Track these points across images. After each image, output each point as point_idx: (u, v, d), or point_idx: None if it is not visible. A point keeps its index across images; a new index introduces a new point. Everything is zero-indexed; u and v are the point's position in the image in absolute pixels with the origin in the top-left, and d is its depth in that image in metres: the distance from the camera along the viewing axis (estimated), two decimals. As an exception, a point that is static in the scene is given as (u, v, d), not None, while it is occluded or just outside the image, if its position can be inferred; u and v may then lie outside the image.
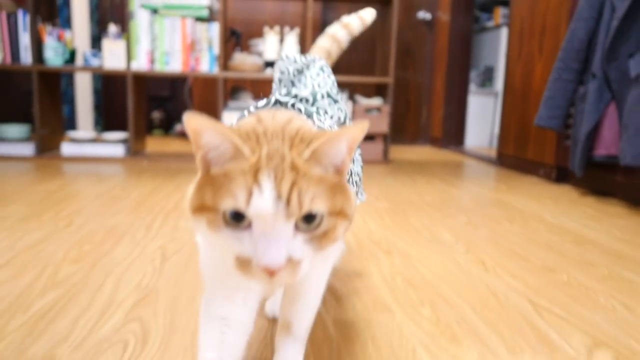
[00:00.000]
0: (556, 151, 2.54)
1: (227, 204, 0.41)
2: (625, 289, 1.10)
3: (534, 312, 0.96)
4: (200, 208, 0.43)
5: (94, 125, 4.52)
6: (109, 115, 4.71)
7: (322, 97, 0.68)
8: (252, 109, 0.61)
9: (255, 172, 0.41)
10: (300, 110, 0.60)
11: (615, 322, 0.93)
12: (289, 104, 0.61)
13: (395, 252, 1.30)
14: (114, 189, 1.99)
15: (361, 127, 0.44)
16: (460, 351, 0.80)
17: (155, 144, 3.75)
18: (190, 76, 4.42)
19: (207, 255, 0.54)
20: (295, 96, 0.66)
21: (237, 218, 0.42)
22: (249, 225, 0.42)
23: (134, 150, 2.84)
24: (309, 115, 0.59)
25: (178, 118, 4.78)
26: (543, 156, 2.65)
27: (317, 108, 0.64)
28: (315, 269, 0.55)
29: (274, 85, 0.83)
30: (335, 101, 0.70)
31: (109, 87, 4.71)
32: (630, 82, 1.88)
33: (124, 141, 2.88)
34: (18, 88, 4.24)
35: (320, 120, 0.60)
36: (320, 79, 0.75)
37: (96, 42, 4.44)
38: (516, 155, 2.93)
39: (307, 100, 0.66)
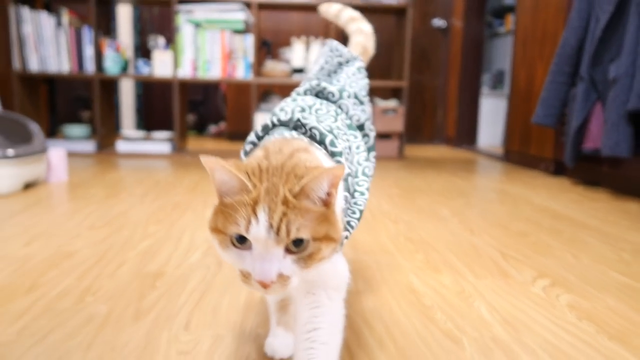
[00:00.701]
0: (554, 147, 2.83)
1: (233, 230, 0.50)
2: (579, 247, 1.41)
3: (501, 257, 1.29)
4: (215, 229, 0.52)
5: (136, 126, 4.96)
6: (148, 117, 5.16)
7: (349, 96, 0.82)
8: (300, 88, 0.83)
9: (254, 205, 0.49)
10: (315, 135, 0.65)
11: (561, 265, 1.25)
12: (308, 127, 0.66)
13: (400, 221, 1.64)
14: (168, 177, 2.38)
15: (340, 169, 0.50)
16: (440, 277, 1.13)
17: (192, 143, 4.16)
18: (223, 83, 4.84)
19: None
20: (322, 90, 0.81)
21: (241, 240, 0.50)
22: (250, 247, 0.50)
23: (179, 147, 3.24)
24: (322, 141, 0.64)
25: (211, 120, 5.19)
26: (543, 151, 2.94)
27: (334, 129, 0.71)
28: (330, 317, 0.62)
29: (316, 67, 0.94)
30: (361, 103, 0.85)
31: (149, 92, 5.16)
32: (610, 83, 2.17)
33: (169, 140, 3.28)
34: (70, 93, 4.71)
35: (334, 144, 0.64)
36: (354, 78, 0.88)
37: (138, 50, 4.89)
38: (520, 151, 3.23)
39: (332, 94, 0.81)
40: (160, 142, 3.21)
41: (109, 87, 3.31)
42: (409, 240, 1.42)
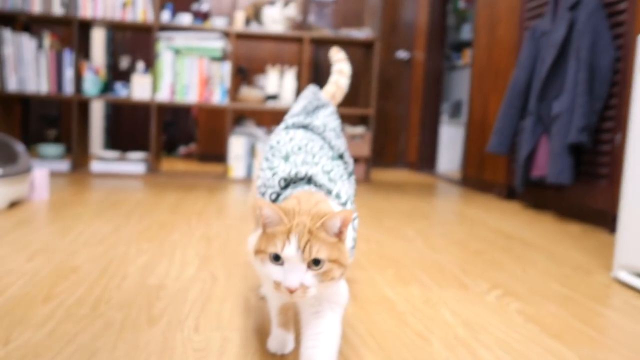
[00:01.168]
0: (506, 173, 3.10)
1: (272, 250, 0.69)
2: (527, 263, 1.62)
3: (461, 272, 1.48)
4: (259, 251, 0.71)
5: (104, 145, 4.99)
6: (116, 138, 5.19)
7: (330, 130, 1.01)
8: (288, 121, 1.01)
9: (288, 234, 0.68)
10: (322, 185, 0.83)
11: (511, 278, 1.45)
12: (319, 184, 0.84)
13: (372, 241, 1.81)
14: (148, 197, 2.47)
15: (349, 213, 0.70)
16: (410, 289, 1.30)
17: (163, 164, 4.23)
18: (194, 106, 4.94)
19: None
20: (308, 124, 0.99)
21: (277, 258, 0.69)
22: (282, 263, 0.69)
23: (153, 168, 3.32)
24: (329, 191, 0.83)
25: (181, 141, 5.27)
26: (496, 177, 3.21)
27: (330, 172, 0.88)
28: (331, 325, 0.78)
29: (297, 107, 1.09)
30: (338, 136, 1.04)
31: (117, 113, 5.21)
32: (554, 118, 2.44)
33: (144, 160, 3.36)
34: (35, 112, 4.71)
35: (340, 196, 0.83)
36: (329, 119, 1.06)
37: (110, 70, 4.95)
38: (476, 176, 3.49)
39: (318, 128, 0.98)
40: (134, 163, 3.29)
41: (85, 108, 3.38)
42: (380, 258, 1.59)
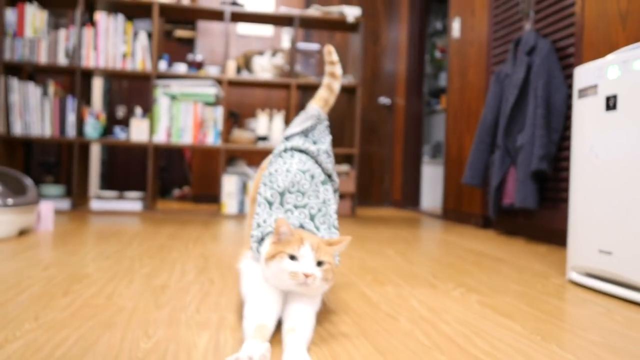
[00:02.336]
0: (482, 204, 3.31)
1: (290, 251, 0.91)
2: (493, 272, 1.80)
3: (433, 278, 1.65)
4: (275, 253, 0.92)
5: (100, 187, 5.16)
6: (110, 183, 5.38)
7: (323, 152, 1.18)
8: (287, 144, 1.20)
9: (303, 240, 0.92)
10: (310, 230, 1.05)
11: (477, 281, 1.62)
12: (304, 225, 1.06)
13: (353, 258, 1.99)
14: (147, 229, 2.64)
15: (346, 242, 0.98)
16: (385, 288, 1.48)
17: (159, 204, 4.40)
18: (188, 150, 5.17)
19: (250, 281, 1.00)
20: (305, 150, 1.16)
21: (292, 257, 0.91)
22: (297, 259, 0.91)
23: (150, 205, 3.50)
24: (318, 229, 1.07)
25: (175, 185, 5.46)
26: (473, 208, 3.42)
27: (315, 217, 1.09)
28: (309, 304, 0.97)
29: (307, 124, 1.24)
30: (330, 156, 1.21)
31: (113, 158, 5.42)
32: (518, 150, 2.69)
33: (141, 199, 3.54)
34: (35, 159, 4.90)
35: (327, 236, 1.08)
36: (324, 134, 1.24)
37: (107, 119, 5.19)
38: (455, 209, 3.70)
39: (312, 152, 1.16)
40: (132, 201, 3.46)
41: (86, 150, 3.58)
42: (360, 268, 1.77)
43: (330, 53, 1.33)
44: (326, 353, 0.91)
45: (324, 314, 1.17)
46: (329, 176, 1.20)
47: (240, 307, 1.19)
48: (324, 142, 1.25)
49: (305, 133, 1.25)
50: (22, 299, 1.19)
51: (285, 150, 1.20)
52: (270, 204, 1.08)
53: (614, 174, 1.44)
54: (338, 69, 1.33)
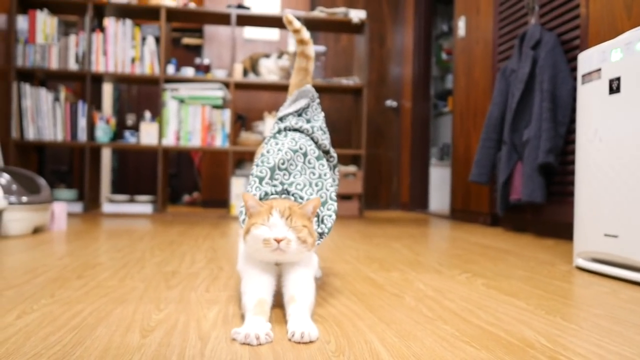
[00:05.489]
0: (489, 202, 3.31)
1: (260, 221, 0.91)
2: (499, 261, 1.81)
3: (438, 265, 1.67)
4: (249, 227, 0.92)
5: (111, 192, 5.23)
6: (120, 189, 5.45)
7: (318, 129, 1.21)
8: (281, 124, 1.24)
9: (271, 209, 0.92)
10: (294, 194, 1.07)
11: (482, 268, 1.64)
12: (293, 193, 1.07)
13: (360, 250, 2.01)
14: (158, 228, 2.68)
15: (318, 200, 0.96)
16: (391, 274, 1.49)
17: (169, 208, 4.44)
18: (197, 157, 5.23)
19: (247, 255, 0.99)
20: (299, 128, 1.19)
21: (264, 226, 0.91)
22: (268, 228, 0.90)
23: (160, 208, 3.54)
24: (301, 198, 1.06)
25: (184, 191, 5.52)
26: (481, 207, 3.42)
27: (303, 189, 1.09)
28: (305, 270, 0.97)
29: (302, 103, 1.26)
30: (325, 132, 1.25)
31: (123, 165, 5.50)
32: (525, 144, 2.70)
33: (152, 202, 3.58)
34: (47, 167, 4.98)
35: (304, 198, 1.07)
36: (316, 112, 1.26)
37: (117, 125, 5.28)
38: (463, 208, 3.70)
39: (307, 130, 1.20)
40: (143, 204, 3.51)
41: (97, 154, 3.64)
42: (367, 258, 1.79)
43: (291, 22, 1.31)
44: (332, 323, 0.93)
45: (329, 292, 1.19)
46: (327, 152, 1.23)
47: (249, 288, 1.21)
48: (317, 119, 1.27)
49: (298, 113, 1.26)
50: (38, 281, 1.22)
51: (279, 132, 1.22)
52: (260, 179, 1.08)
53: (618, 157, 1.45)
54: (305, 34, 1.33)
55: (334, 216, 1.10)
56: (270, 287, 0.94)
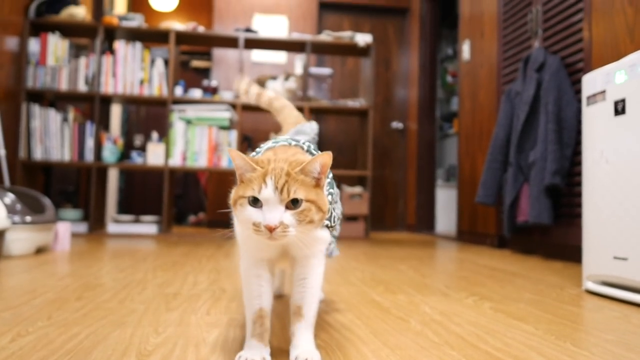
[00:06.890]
0: (496, 224, 3.28)
1: (249, 193, 0.70)
2: (506, 283, 1.77)
3: (445, 288, 1.64)
4: (236, 199, 0.72)
5: (117, 212, 5.24)
6: (127, 208, 5.45)
7: (314, 149, 1.20)
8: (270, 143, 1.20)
9: (264, 177, 0.69)
10: (298, 141, 0.88)
11: (490, 291, 1.60)
12: (301, 142, 0.88)
13: (365, 271, 1.98)
14: (162, 248, 2.66)
15: (328, 155, 0.72)
16: (396, 296, 1.47)
17: (174, 228, 4.43)
18: (203, 178, 5.24)
19: (244, 239, 0.82)
20: (292, 141, 1.10)
21: (255, 202, 0.70)
22: (261, 206, 0.70)
23: (165, 229, 3.53)
24: (309, 149, 0.87)
25: (190, 211, 5.52)
26: (488, 228, 3.38)
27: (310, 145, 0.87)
28: (314, 271, 0.83)
29: (304, 138, 1.18)
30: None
31: (129, 187, 5.52)
32: (531, 166, 2.68)
33: (157, 222, 3.58)
34: (54, 187, 5.00)
35: (315, 151, 0.89)
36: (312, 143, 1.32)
37: (125, 147, 5.32)
38: (470, 230, 3.66)
39: (303, 145, 1.06)
40: (148, 224, 3.51)
41: (103, 175, 3.66)
42: (372, 280, 1.76)
43: (246, 92, 1.24)
44: (334, 348, 0.91)
45: (332, 316, 1.16)
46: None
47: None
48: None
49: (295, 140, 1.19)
50: (36, 303, 1.21)
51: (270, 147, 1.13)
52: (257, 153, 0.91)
53: (625, 178, 1.43)
54: (266, 94, 1.26)
55: (340, 217, 1.03)
56: (268, 291, 0.84)
